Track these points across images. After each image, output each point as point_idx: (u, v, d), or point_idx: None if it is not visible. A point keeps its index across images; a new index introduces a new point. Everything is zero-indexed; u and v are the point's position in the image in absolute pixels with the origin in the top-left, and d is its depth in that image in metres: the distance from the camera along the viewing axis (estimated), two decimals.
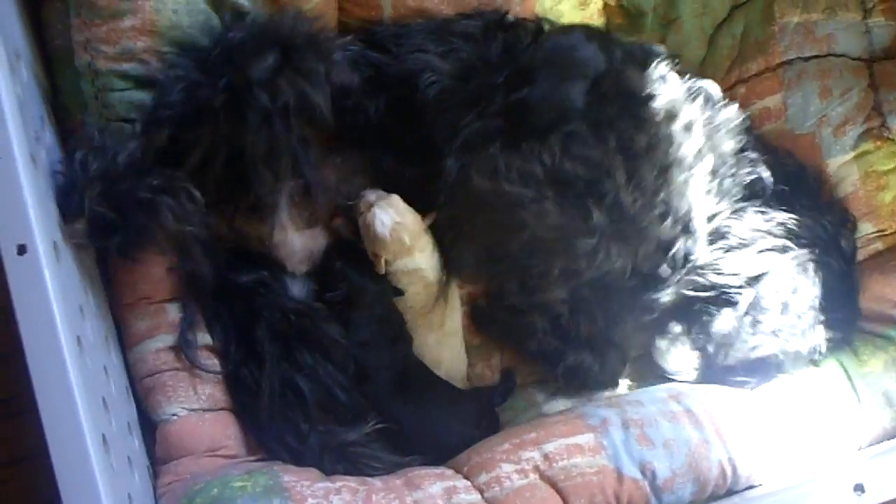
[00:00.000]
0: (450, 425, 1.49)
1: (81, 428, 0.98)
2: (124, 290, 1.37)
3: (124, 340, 1.37)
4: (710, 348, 1.53)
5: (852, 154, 1.62)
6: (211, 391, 1.36)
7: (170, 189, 1.29)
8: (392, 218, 1.49)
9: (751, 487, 1.33)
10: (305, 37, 1.40)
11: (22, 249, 1.00)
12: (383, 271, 1.52)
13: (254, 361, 1.41)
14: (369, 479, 1.28)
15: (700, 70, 1.74)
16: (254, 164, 1.38)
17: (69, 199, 1.23)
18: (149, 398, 1.33)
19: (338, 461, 1.38)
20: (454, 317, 1.60)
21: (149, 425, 1.33)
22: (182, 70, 1.38)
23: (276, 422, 1.38)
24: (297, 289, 1.52)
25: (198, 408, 1.34)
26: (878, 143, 1.60)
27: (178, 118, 1.34)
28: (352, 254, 1.54)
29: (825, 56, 1.65)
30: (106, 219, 1.24)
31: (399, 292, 1.54)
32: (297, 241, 1.52)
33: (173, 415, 1.32)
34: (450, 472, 1.33)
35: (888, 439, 1.42)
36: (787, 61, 1.69)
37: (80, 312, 1.13)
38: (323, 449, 1.38)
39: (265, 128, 1.35)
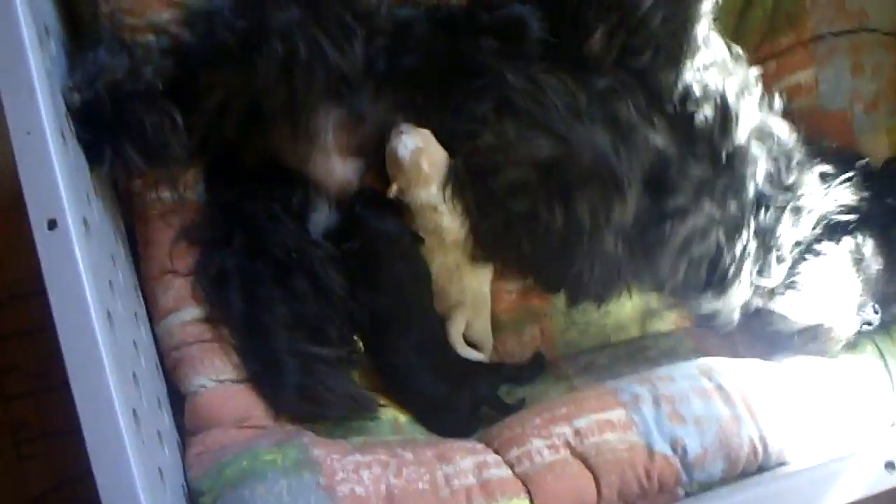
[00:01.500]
0: (456, 397, 1.48)
1: (113, 403, 0.98)
2: (151, 264, 1.38)
3: (152, 314, 1.37)
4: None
5: (883, 130, 1.61)
6: (238, 362, 1.36)
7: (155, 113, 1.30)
8: (416, 143, 1.47)
9: (782, 464, 1.32)
10: None
11: (52, 224, 1.01)
12: (392, 195, 1.50)
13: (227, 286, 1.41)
14: (399, 451, 1.27)
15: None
16: (272, 117, 1.39)
17: (75, 77, 1.25)
18: (177, 370, 1.34)
19: (297, 371, 1.37)
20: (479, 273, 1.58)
21: (177, 400, 1.34)
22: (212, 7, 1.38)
23: (248, 339, 1.39)
24: (322, 219, 1.52)
25: (226, 378, 1.34)
26: None
27: (196, 53, 1.35)
28: (374, 200, 1.53)
29: (857, 31, 1.63)
30: (100, 109, 1.24)
31: (419, 239, 1.53)
32: (339, 167, 1.52)
33: (201, 386, 1.32)
34: (480, 446, 1.33)
35: None
36: (819, 36, 1.67)
37: (109, 287, 1.14)
38: (290, 354, 1.38)
39: (284, 80, 1.35)
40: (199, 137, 1.38)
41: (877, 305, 1.50)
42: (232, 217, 1.44)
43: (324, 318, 1.44)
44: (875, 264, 1.51)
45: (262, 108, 1.38)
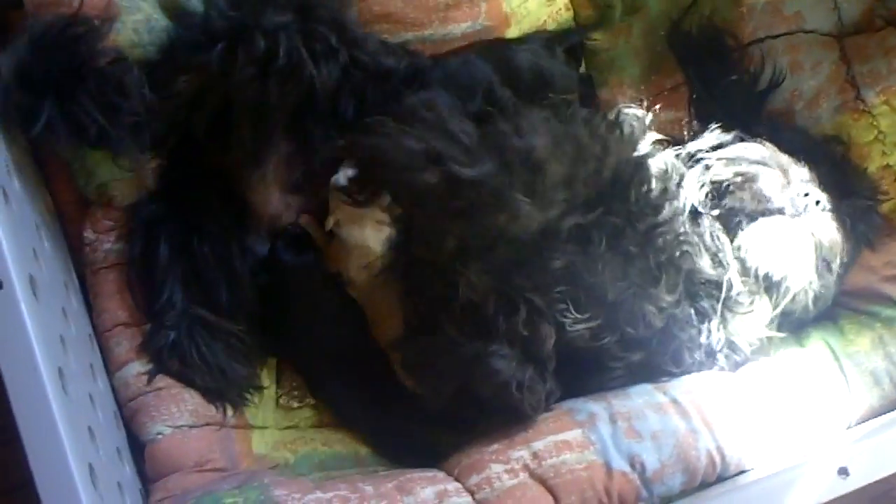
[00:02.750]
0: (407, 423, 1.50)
1: (67, 461, 0.99)
2: (103, 316, 1.40)
3: (107, 365, 1.38)
4: None
5: (829, 126, 1.63)
6: (193, 407, 1.38)
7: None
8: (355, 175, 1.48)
9: (742, 472, 1.33)
10: (331, 8, 1.43)
11: None
12: (329, 227, 1.51)
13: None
14: (361, 485, 1.28)
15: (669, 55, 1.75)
16: (240, 115, 1.42)
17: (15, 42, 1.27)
18: (134, 420, 1.35)
19: (176, 326, 1.40)
20: None
21: (140, 448, 1.34)
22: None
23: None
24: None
25: (182, 424, 1.35)
26: (856, 116, 1.60)
27: (181, 39, 1.38)
28: (296, 238, 1.55)
29: (794, 33, 1.66)
30: (37, 72, 1.26)
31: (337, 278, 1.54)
32: (276, 199, 1.53)
33: (158, 434, 1.33)
34: (441, 474, 1.33)
35: (875, 417, 1.42)
36: (757, 40, 1.69)
37: (61, 343, 1.14)
38: (183, 312, 1.41)
39: (257, 80, 1.37)
40: (167, 125, 1.41)
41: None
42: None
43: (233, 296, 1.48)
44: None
45: (231, 108, 1.40)
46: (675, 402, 1.36)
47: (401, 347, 1.44)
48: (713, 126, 1.55)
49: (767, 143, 1.51)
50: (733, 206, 1.45)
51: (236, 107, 1.40)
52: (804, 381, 1.44)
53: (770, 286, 1.44)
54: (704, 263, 1.42)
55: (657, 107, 1.55)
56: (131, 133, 1.33)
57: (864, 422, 1.42)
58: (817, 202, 1.45)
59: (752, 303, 1.44)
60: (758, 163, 1.47)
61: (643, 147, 1.44)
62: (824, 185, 1.49)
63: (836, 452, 1.29)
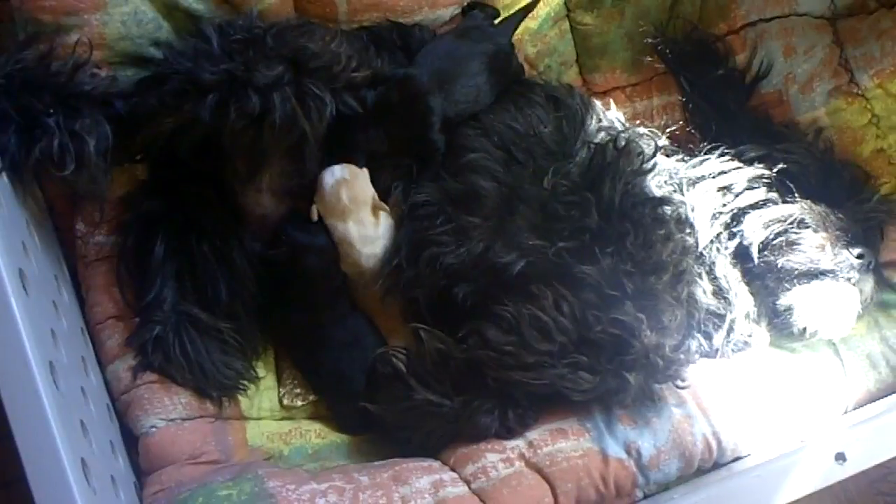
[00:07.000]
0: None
1: (59, 455, 0.99)
2: (95, 309, 1.39)
3: (100, 359, 1.37)
4: None
5: (823, 110, 1.63)
6: (187, 400, 1.37)
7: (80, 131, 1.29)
8: (342, 174, 1.48)
9: (738, 458, 1.34)
10: (322, 60, 1.41)
11: None
12: (314, 219, 1.49)
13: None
14: (356, 476, 1.28)
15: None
16: (231, 157, 1.42)
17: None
18: (128, 413, 1.34)
19: (173, 326, 1.39)
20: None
21: (134, 441, 1.34)
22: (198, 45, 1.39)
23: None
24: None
25: (175, 417, 1.34)
26: (850, 99, 1.60)
27: (167, 79, 1.35)
28: (301, 219, 1.53)
29: (787, 16, 1.66)
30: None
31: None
32: (267, 202, 1.52)
33: (152, 427, 1.32)
34: (437, 464, 1.33)
35: (873, 402, 1.43)
36: (750, 23, 1.70)
37: (52, 337, 1.13)
38: (173, 308, 1.41)
39: (250, 131, 1.36)
40: (137, 150, 1.42)
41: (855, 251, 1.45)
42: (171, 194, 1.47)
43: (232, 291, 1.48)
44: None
45: (218, 137, 1.39)
46: (669, 388, 1.35)
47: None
48: (710, 147, 1.55)
49: (805, 202, 1.49)
50: (775, 265, 1.45)
51: (227, 145, 1.40)
52: (800, 365, 1.44)
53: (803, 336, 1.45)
54: (707, 296, 1.42)
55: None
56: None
57: (861, 406, 1.42)
58: (869, 263, 1.45)
59: (751, 336, 1.45)
60: (800, 225, 1.46)
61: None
62: (821, 190, 1.52)
63: (833, 438, 1.30)
